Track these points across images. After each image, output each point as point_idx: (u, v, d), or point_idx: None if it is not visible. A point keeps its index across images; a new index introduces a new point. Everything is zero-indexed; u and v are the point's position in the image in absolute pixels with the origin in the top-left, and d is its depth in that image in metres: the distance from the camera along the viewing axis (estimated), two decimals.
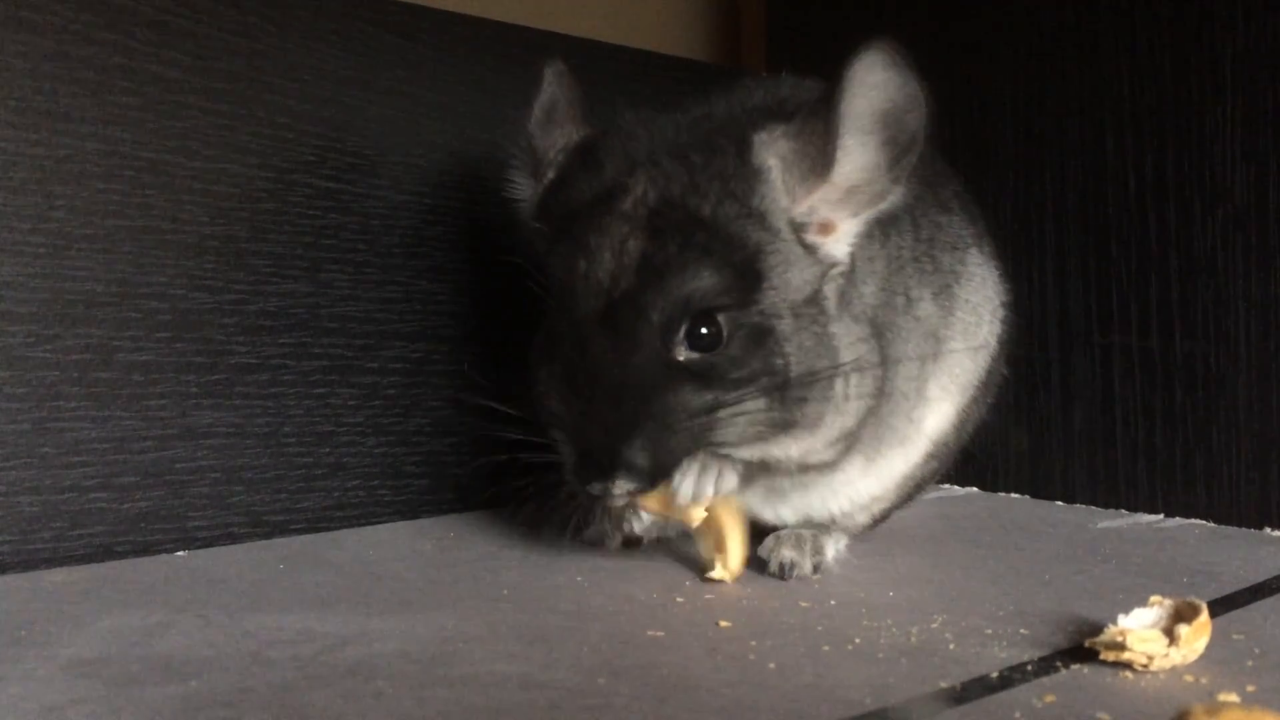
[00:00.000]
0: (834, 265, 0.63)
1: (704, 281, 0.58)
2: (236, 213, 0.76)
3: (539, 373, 0.63)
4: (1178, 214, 0.83)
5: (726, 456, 0.63)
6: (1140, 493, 0.86)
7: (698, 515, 0.64)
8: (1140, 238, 0.85)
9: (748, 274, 0.59)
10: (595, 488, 0.59)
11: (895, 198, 0.63)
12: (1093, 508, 0.88)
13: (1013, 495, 0.93)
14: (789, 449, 0.64)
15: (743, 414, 0.60)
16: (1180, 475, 0.84)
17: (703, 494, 0.62)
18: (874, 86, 0.60)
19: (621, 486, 0.59)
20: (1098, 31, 0.87)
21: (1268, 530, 0.79)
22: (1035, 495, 0.92)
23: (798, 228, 0.62)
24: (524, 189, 0.71)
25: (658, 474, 0.59)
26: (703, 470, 0.62)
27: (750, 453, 0.63)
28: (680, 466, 0.60)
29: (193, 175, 0.74)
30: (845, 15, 1.03)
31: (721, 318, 0.59)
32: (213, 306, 0.74)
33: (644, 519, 0.67)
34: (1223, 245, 0.81)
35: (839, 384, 0.62)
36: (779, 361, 0.60)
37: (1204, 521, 0.82)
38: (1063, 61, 0.89)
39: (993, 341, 0.76)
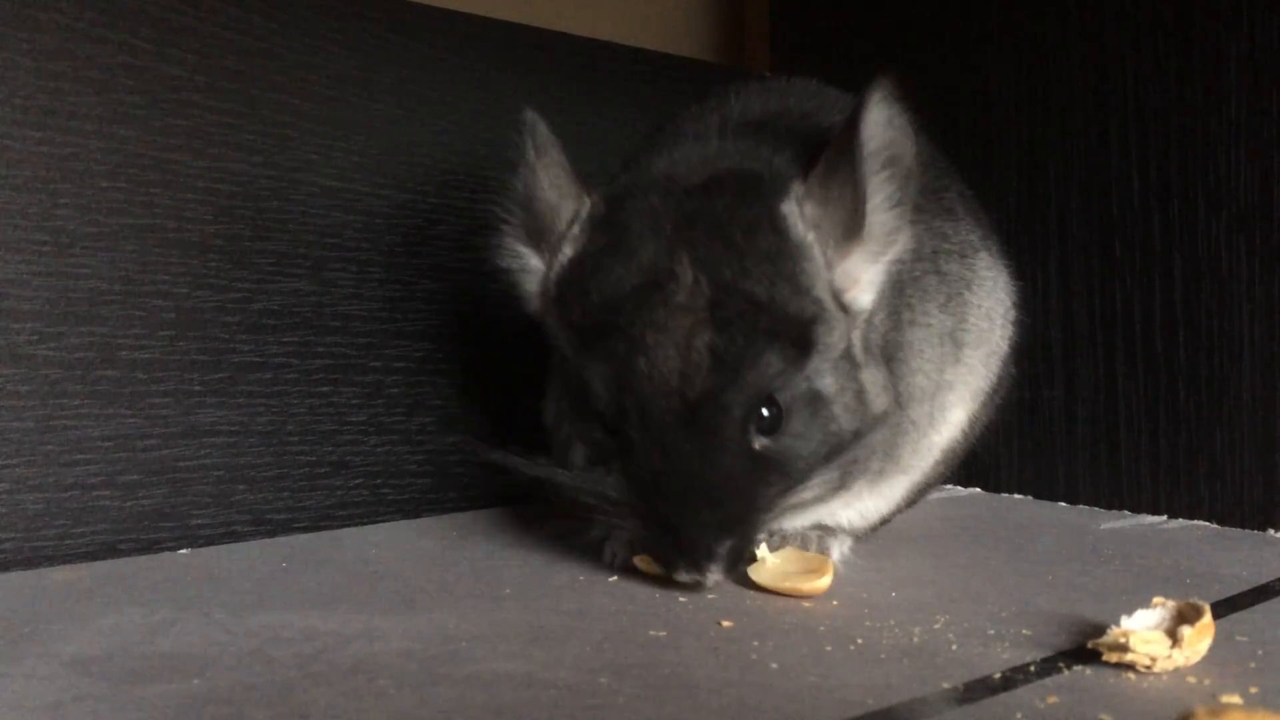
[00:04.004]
0: (860, 315, 0.63)
1: (774, 367, 0.58)
2: (240, 211, 0.76)
3: (572, 453, 0.63)
4: (1182, 215, 0.83)
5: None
6: (1143, 494, 0.86)
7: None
8: (1144, 239, 0.85)
9: (803, 348, 0.59)
10: (685, 577, 0.59)
11: (906, 239, 0.63)
12: (1096, 509, 0.88)
13: (1015, 496, 0.93)
14: (830, 507, 0.66)
15: (810, 491, 0.61)
16: (1183, 476, 0.84)
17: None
18: (877, 128, 0.60)
19: (712, 578, 0.59)
20: (1102, 32, 0.87)
21: (1271, 532, 0.79)
22: (1038, 496, 0.92)
23: (836, 293, 0.62)
24: (524, 259, 0.67)
25: (740, 562, 0.60)
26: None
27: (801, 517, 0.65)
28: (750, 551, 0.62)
29: (196, 174, 0.74)
30: (849, 15, 1.03)
31: (777, 395, 0.59)
32: (216, 305, 0.75)
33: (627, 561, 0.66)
34: (1227, 246, 0.81)
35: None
36: (834, 427, 0.60)
37: (1207, 523, 0.82)
38: (1067, 62, 0.89)
39: (1004, 345, 0.76)
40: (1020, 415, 0.90)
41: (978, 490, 0.96)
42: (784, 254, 0.60)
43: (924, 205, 0.71)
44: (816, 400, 0.60)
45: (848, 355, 0.62)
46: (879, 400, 0.64)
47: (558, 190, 0.65)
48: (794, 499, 0.60)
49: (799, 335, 0.59)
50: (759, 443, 0.59)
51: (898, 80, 0.60)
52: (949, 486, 0.95)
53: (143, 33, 0.72)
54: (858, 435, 0.61)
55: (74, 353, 0.69)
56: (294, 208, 0.78)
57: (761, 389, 0.58)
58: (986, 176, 0.91)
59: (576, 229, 0.64)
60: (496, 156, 0.87)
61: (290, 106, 0.78)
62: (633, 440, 0.59)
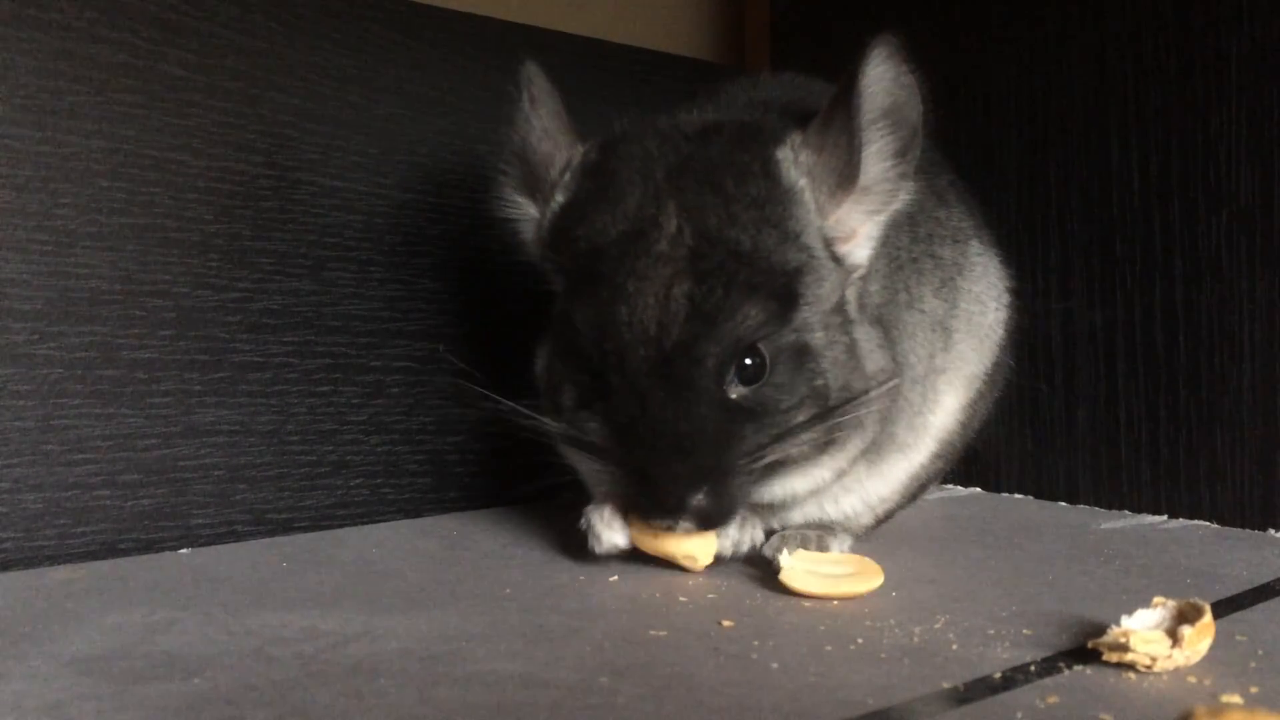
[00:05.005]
0: (855, 270, 0.63)
1: (753, 319, 0.58)
2: (240, 211, 0.76)
3: (560, 395, 0.63)
4: (1182, 215, 0.83)
5: (755, 505, 0.65)
6: (1144, 494, 0.86)
7: (703, 563, 0.64)
8: (1145, 239, 0.85)
9: (787, 298, 0.59)
10: (659, 524, 0.60)
11: (905, 194, 0.63)
12: (1096, 509, 0.88)
13: (1016, 496, 0.93)
14: (821, 473, 0.65)
15: (796, 445, 0.60)
16: (1184, 476, 0.84)
17: (742, 549, 0.64)
18: (880, 84, 0.60)
19: (684, 527, 0.60)
20: (1103, 33, 0.87)
21: (1271, 531, 0.79)
22: (1038, 496, 0.92)
23: (828, 242, 0.62)
24: (521, 208, 0.68)
25: (719, 519, 0.60)
26: (740, 525, 0.65)
27: (785, 485, 0.64)
28: (736, 512, 0.61)
29: (197, 173, 0.74)
30: (850, 14, 1.03)
31: (762, 345, 0.59)
32: (216, 304, 0.75)
33: (615, 539, 0.66)
34: (1227, 246, 0.81)
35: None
36: (820, 382, 0.60)
37: (1207, 523, 0.82)
38: (1068, 63, 0.89)
39: (999, 330, 0.76)
40: (1020, 415, 0.90)
41: (978, 490, 0.96)
42: (773, 199, 0.60)
43: (920, 191, 0.71)
44: (804, 353, 0.60)
45: (840, 310, 0.62)
46: (873, 358, 0.63)
47: (551, 139, 0.65)
48: (776, 453, 0.60)
49: (783, 286, 0.59)
50: (736, 392, 0.59)
51: (904, 40, 0.60)
52: (949, 486, 0.95)
53: (143, 32, 0.72)
54: (850, 391, 0.61)
55: (74, 352, 0.69)
56: (294, 208, 0.78)
57: (740, 340, 0.58)
58: (988, 177, 0.91)
59: (568, 176, 0.65)
60: (496, 156, 0.88)
61: (290, 106, 0.78)
62: (612, 386, 0.59)
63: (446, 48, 0.86)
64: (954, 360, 0.73)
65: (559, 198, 0.65)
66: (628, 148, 0.63)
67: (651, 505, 0.59)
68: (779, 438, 0.60)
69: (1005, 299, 0.77)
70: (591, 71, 0.96)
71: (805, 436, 0.60)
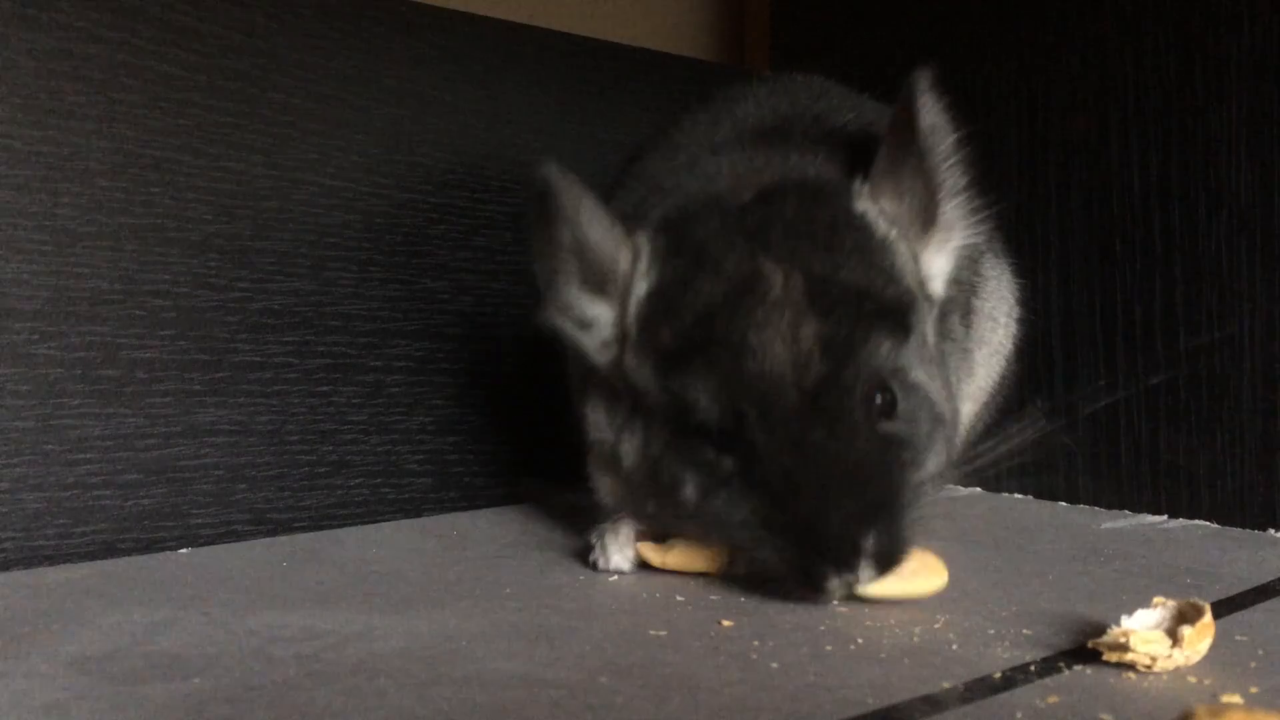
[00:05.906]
0: (936, 305, 0.64)
1: (885, 348, 0.57)
2: (240, 210, 0.76)
3: (680, 490, 0.59)
4: (1182, 215, 0.83)
5: None
6: (1144, 494, 0.86)
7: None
8: (1144, 239, 0.85)
9: (904, 331, 0.59)
10: (833, 588, 0.56)
11: (966, 223, 0.63)
12: (1096, 508, 0.88)
13: (1016, 496, 0.93)
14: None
15: (931, 475, 0.60)
16: (1184, 476, 0.84)
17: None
18: (932, 121, 0.60)
19: (866, 576, 0.55)
20: (1102, 32, 0.87)
21: (1271, 531, 0.79)
22: (1038, 496, 0.92)
23: (921, 284, 0.62)
24: (583, 308, 0.62)
25: (892, 563, 0.56)
26: None
27: None
28: (908, 553, 0.57)
29: (197, 173, 0.74)
30: (849, 15, 1.03)
31: (888, 379, 0.58)
32: (216, 304, 0.75)
33: (622, 563, 0.65)
34: (1227, 246, 0.81)
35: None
36: (937, 411, 0.60)
37: (1207, 523, 0.82)
38: (1067, 62, 0.89)
39: (1008, 344, 0.76)
40: (1020, 415, 0.90)
41: (978, 490, 0.95)
42: (870, 248, 0.60)
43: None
44: (916, 388, 0.59)
45: (925, 345, 0.63)
46: (950, 390, 0.64)
47: (606, 232, 0.62)
48: (923, 490, 0.59)
49: (900, 318, 0.59)
50: (882, 426, 0.57)
51: (937, 71, 0.60)
52: (949, 486, 0.95)
53: (144, 32, 0.72)
54: (956, 424, 0.62)
55: (74, 352, 0.69)
56: (294, 207, 0.78)
57: (876, 369, 0.57)
58: (987, 177, 0.91)
59: (644, 264, 0.61)
60: (497, 156, 0.88)
61: (290, 106, 0.78)
62: (754, 446, 0.56)
63: (446, 48, 0.86)
64: (971, 381, 0.73)
65: (641, 286, 0.61)
66: (699, 224, 0.61)
67: (825, 560, 0.54)
68: (923, 465, 0.59)
69: (1015, 313, 0.77)
70: (592, 71, 0.96)
71: (937, 470, 0.60)
